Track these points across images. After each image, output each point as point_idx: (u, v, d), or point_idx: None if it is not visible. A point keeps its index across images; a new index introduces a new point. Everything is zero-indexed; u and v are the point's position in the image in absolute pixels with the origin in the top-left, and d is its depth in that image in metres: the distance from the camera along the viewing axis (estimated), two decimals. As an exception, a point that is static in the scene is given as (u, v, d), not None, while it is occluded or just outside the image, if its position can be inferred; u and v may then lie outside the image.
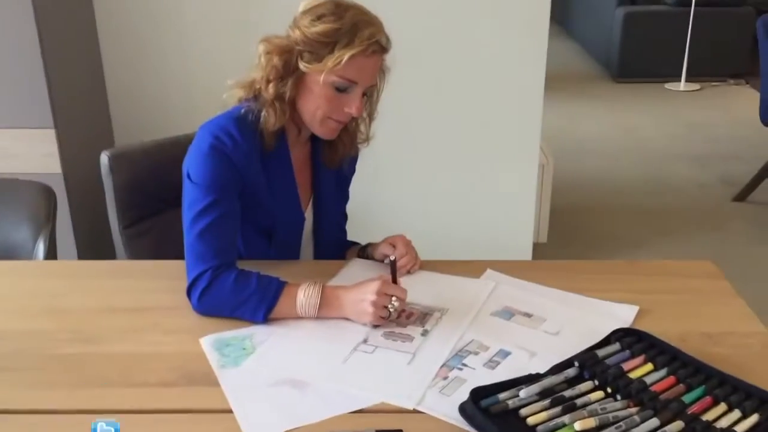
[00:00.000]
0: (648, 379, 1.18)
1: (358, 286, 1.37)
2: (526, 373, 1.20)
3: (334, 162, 1.63)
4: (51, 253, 1.80)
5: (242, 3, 2.71)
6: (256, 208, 1.54)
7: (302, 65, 1.42)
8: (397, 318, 1.37)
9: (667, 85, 5.97)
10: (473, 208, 3.02)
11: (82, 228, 2.58)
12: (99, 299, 1.47)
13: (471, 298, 1.46)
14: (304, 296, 1.36)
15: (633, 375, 1.19)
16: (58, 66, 2.43)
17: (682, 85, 5.92)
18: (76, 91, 2.61)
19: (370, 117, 1.58)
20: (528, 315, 1.41)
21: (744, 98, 5.66)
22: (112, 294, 1.49)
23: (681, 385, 1.17)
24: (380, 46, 1.43)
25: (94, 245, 2.61)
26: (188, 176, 1.47)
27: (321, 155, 1.62)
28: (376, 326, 1.35)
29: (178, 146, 1.83)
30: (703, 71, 5.96)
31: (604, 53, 6.39)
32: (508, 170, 2.97)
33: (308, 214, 1.64)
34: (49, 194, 1.88)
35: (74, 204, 2.55)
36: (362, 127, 1.59)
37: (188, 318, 1.39)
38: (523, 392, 1.12)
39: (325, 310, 1.36)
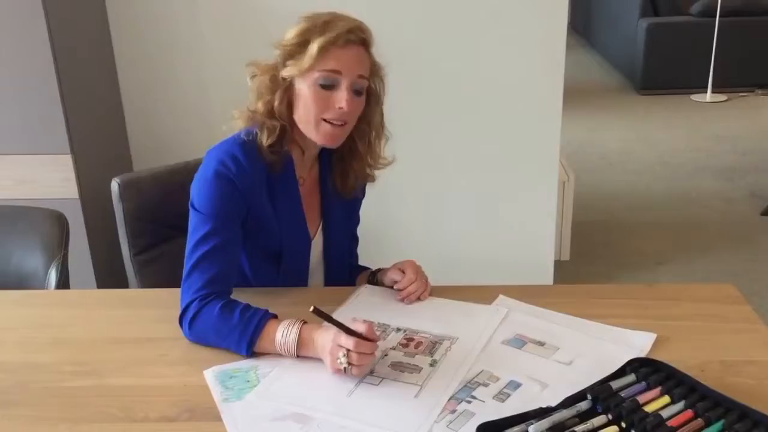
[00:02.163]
0: (664, 413, 1.13)
1: (323, 330, 1.29)
2: (537, 406, 1.16)
3: (347, 190, 1.60)
4: (63, 282, 1.79)
5: (260, 28, 2.70)
6: (263, 233, 1.52)
7: (285, 72, 1.42)
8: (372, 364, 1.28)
9: (693, 97, 5.89)
10: (492, 226, 2.98)
11: (99, 254, 2.59)
12: (105, 330, 1.45)
13: (482, 325, 1.42)
14: (282, 336, 1.32)
15: (649, 408, 1.14)
16: (75, 91, 2.44)
17: (709, 97, 5.82)
18: (93, 116, 2.62)
19: (379, 135, 1.54)
20: (540, 343, 1.37)
21: (772, 109, 5.56)
22: (120, 324, 1.47)
23: (699, 419, 1.12)
24: (357, 37, 1.41)
25: (111, 272, 2.61)
26: (192, 204, 1.46)
27: (333, 184, 1.59)
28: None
29: (188, 172, 1.81)
30: (730, 82, 5.87)
31: (628, 65, 6.32)
32: (528, 187, 2.92)
33: (317, 239, 1.62)
34: (61, 221, 1.87)
35: (92, 230, 2.55)
36: (373, 148, 1.55)
37: (194, 348, 1.37)
38: (533, 428, 1.08)
39: (304, 351, 1.31)
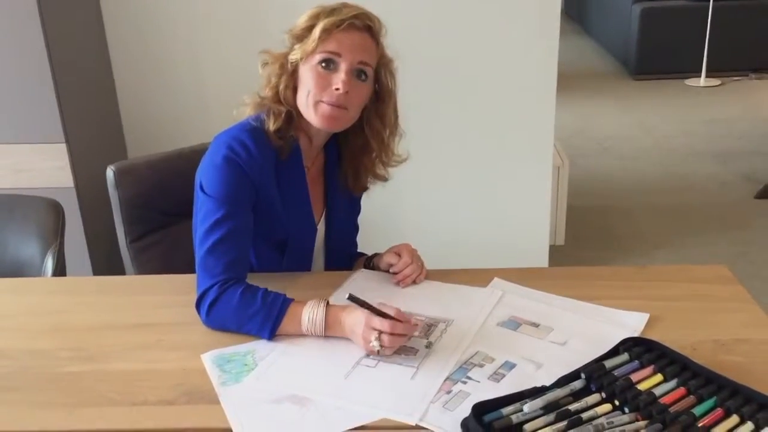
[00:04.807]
0: (657, 391, 1.14)
1: (351, 313, 1.31)
2: (532, 386, 1.17)
3: (358, 188, 1.62)
4: (60, 269, 1.80)
5: (256, 12, 2.70)
6: (270, 220, 1.52)
7: (291, 56, 1.44)
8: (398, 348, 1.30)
9: (687, 81, 5.89)
10: (487, 211, 2.99)
11: (95, 242, 2.59)
12: (103, 316, 1.46)
13: (477, 308, 1.44)
14: (309, 317, 1.33)
15: (642, 387, 1.16)
16: (68, 79, 2.44)
17: (703, 81, 5.83)
18: (87, 105, 2.62)
19: (393, 131, 1.54)
20: (535, 325, 1.38)
21: (766, 93, 5.56)
22: (117, 310, 1.48)
23: (691, 396, 1.13)
24: (362, 23, 1.42)
25: (107, 259, 2.62)
26: (201, 188, 1.46)
27: (344, 182, 1.61)
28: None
29: (184, 159, 1.84)
30: (724, 66, 5.87)
31: (622, 50, 6.32)
32: (522, 172, 2.93)
33: (321, 226, 1.63)
34: (57, 209, 1.88)
35: (87, 218, 2.56)
36: (387, 144, 1.55)
37: (192, 333, 1.38)
38: (527, 406, 1.10)
39: (331, 331, 1.34)
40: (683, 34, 5.88)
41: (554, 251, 3.19)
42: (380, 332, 1.26)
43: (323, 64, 1.41)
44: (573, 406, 1.12)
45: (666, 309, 1.40)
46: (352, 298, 1.30)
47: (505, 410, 1.10)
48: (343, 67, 1.41)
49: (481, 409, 1.10)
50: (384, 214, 2.89)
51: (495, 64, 2.77)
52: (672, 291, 1.47)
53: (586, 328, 1.36)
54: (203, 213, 1.44)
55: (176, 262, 1.70)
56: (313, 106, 1.43)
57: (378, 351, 1.27)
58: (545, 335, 1.35)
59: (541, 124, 2.85)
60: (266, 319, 1.34)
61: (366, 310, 1.29)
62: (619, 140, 4.74)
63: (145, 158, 1.87)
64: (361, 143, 1.54)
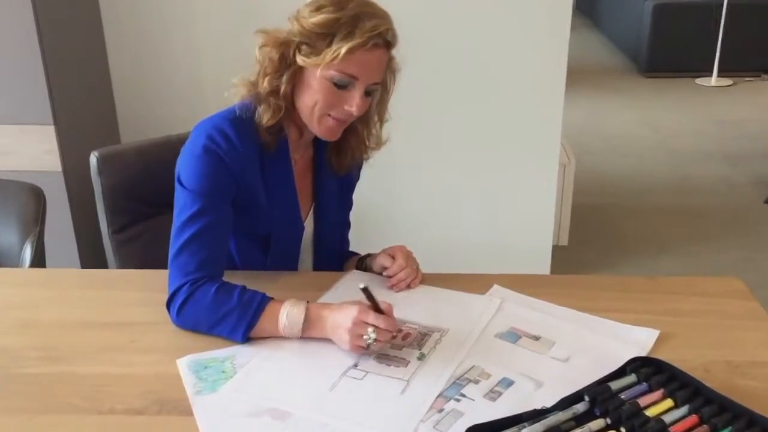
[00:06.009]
0: (667, 418, 1.05)
1: (340, 308, 1.25)
2: (531, 407, 1.09)
3: (344, 167, 1.52)
4: (38, 259, 1.71)
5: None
6: (253, 215, 1.43)
7: (299, 59, 1.32)
8: (391, 343, 1.24)
9: (698, 81, 5.78)
10: (491, 209, 2.90)
11: (83, 231, 2.50)
12: (76, 312, 1.37)
13: (474, 317, 1.34)
14: (287, 315, 1.25)
15: (650, 412, 1.06)
16: (59, 60, 2.35)
17: (714, 81, 5.72)
18: (78, 86, 2.52)
19: (381, 119, 1.46)
20: (535, 338, 1.29)
21: (778, 94, 5.46)
22: (91, 307, 1.39)
23: (704, 426, 1.04)
24: (384, 40, 1.31)
25: (95, 251, 2.53)
26: (179, 179, 1.37)
27: (327, 160, 1.51)
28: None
29: (171, 148, 1.73)
30: (736, 66, 5.76)
31: (633, 46, 6.21)
32: (528, 170, 2.83)
33: (308, 223, 1.54)
34: (38, 196, 1.79)
35: (75, 205, 2.47)
36: (373, 131, 1.47)
37: (168, 335, 1.29)
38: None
39: (310, 331, 1.26)
40: (695, 32, 5.76)
41: (557, 252, 3.10)
42: (375, 327, 1.19)
43: (337, 83, 1.31)
44: (575, 433, 1.03)
45: (676, 325, 1.31)
46: (367, 291, 1.21)
47: (501, 435, 1.01)
48: (357, 87, 1.32)
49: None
50: (381, 210, 2.80)
51: (503, 59, 2.68)
52: (683, 305, 1.38)
53: (590, 343, 1.27)
54: (179, 206, 1.36)
55: (159, 256, 1.60)
56: (318, 117, 1.35)
57: (368, 346, 1.20)
58: (546, 350, 1.26)
59: (549, 121, 2.76)
60: (241, 318, 1.25)
61: (359, 303, 1.22)
62: (626, 138, 4.64)
63: (130, 145, 1.78)
64: (348, 126, 1.45)
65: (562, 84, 2.70)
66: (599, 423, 1.05)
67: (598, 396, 1.09)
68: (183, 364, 1.22)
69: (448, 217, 2.90)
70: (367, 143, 1.50)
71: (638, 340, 1.27)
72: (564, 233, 3.33)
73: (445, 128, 2.77)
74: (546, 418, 1.04)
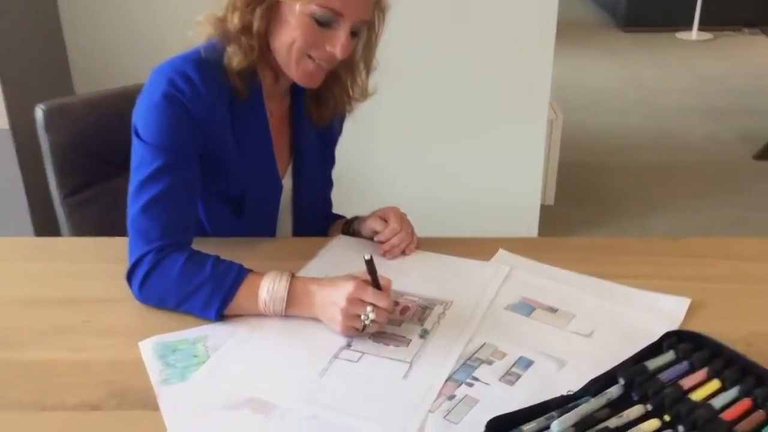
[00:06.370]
0: (716, 403, 0.90)
1: (332, 283, 1.08)
2: (554, 391, 0.93)
3: (324, 118, 1.34)
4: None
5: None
6: (223, 173, 1.25)
7: None
8: (386, 324, 1.07)
9: (678, 35, 5.64)
10: (477, 167, 2.74)
11: (35, 195, 2.28)
12: (19, 288, 1.19)
13: (480, 287, 1.18)
14: (269, 290, 1.07)
15: (695, 396, 0.92)
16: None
17: (694, 35, 5.58)
18: (23, 33, 2.28)
19: (368, 66, 1.28)
20: (552, 310, 1.13)
21: (760, 48, 5.34)
22: (39, 281, 1.21)
23: (760, 411, 0.90)
24: None
25: (50, 215, 2.32)
26: (136, 132, 1.18)
27: (307, 110, 1.33)
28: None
29: (127, 97, 1.52)
30: (717, 19, 5.62)
31: (611, 0, 6.03)
32: (515, 126, 2.68)
33: (287, 181, 1.35)
34: (-21, 155, 1.58)
35: (26, 165, 2.25)
36: (358, 80, 1.29)
37: (128, 313, 1.11)
38: (557, 425, 0.85)
39: (294, 308, 1.08)
40: (676, -15, 5.61)
41: (543, 211, 2.95)
42: (373, 307, 1.02)
43: (320, 20, 1.12)
44: (612, 423, 0.87)
45: (708, 292, 1.16)
46: (371, 264, 1.04)
47: (527, 428, 0.86)
48: (343, 28, 1.13)
49: (497, 425, 0.85)
50: (358, 174, 2.62)
51: (491, 10, 2.49)
52: (713, 270, 1.23)
53: (614, 314, 1.12)
54: (137, 163, 1.17)
55: (117, 222, 1.41)
56: (296, 58, 1.17)
57: (363, 328, 1.03)
58: (566, 324, 1.10)
59: (538, 76, 2.60)
60: (215, 293, 1.08)
61: (354, 278, 1.06)
62: (608, 94, 4.49)
63: (81, 97, 1.58)
64: (331, 71, 1.26)
65: (551, 36, 2.54)
66: (638, 410, 0.90)
67: (635, 378, 0.93)
68: (147, 348, 1.04)
69: (433, 177, 2.74)
70: (351, 93, 1.31)
71: (667, 311, 1.12)
72: (550, 192, 3.19)
73: (431, 87, 2.60)
74: (577, 405, 0.89)
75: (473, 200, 2.75)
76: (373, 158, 2.65)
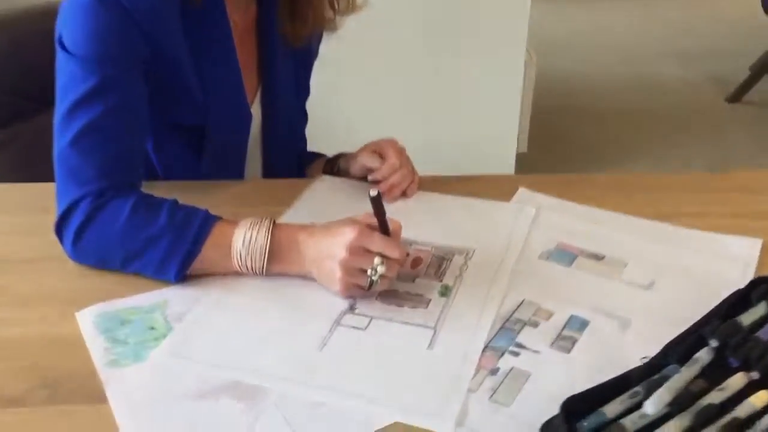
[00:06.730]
0: (835, 366, 0.71)
1: (327, 230, 0.84)
2: (623, 358, 0.73)
3: (301, 37, 1.08)
4: None
5: None
6: (178, 98, 1.00)
7: None
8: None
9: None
10: (450, 111, 2.54)
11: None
12: None
13: (504, 232, 0.96)
14: (244, 242, 0.83)
15: (806, 358, 0.72)
16: None
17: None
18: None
19: None
20: (597, 257, 0.92)
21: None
22: (-59, 239, 0.94)
23: None
24: None
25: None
26: (61, 43, 0.91)
27: (280, 28, 1.07)
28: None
29: (53, 14, 1.27)
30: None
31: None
32: (489, 68, 2.46)
33: (255, 110, 1.11)
34: None
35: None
36: None
37: (60, 276, 0.87)
38: (652, 405, 0.64)
39: (279, 264, 0.85)
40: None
41: (518, 159, 2.76)
42: (382, 258, 0.80)
43: None
44: (714, 397, 0.67)
45: (777, 231, 0.97)
46: (378, 201, 0.81)
47: (609, 409, 0.65)
48: None
49: (573, 407, 0.64)
50: (327, 116, 2.38)
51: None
52: (774, 204, 1.04)
53: (673, 260, 0.91)
54: (64, 82, 0.91)
55: (40, 165, 1.15)
56: None
57: (370, 286, 0.81)
58: (618, 273, 0.89)
59: (516, 22, 2.44)
60: (175, 246, 0.83)
61: (355, 222, 0.83)
62: (571, 38, 4.32)
63: (-7, 13, 1.29)
64: None
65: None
66: (740, 380, 0.70)
67: (729, 339, 0.73)
68: (86, 320, 0.79)
69: (407, 121, 2.52)
70: (336, 4, 1.06)
71: (736, 254, 0.92)
72: (523, 139, 3.00)
73: (405, 21, 2.36)
74: (664, 377, 0.68)
75: (447, 145, 2.55)
76: (344, 101, 2.41)
